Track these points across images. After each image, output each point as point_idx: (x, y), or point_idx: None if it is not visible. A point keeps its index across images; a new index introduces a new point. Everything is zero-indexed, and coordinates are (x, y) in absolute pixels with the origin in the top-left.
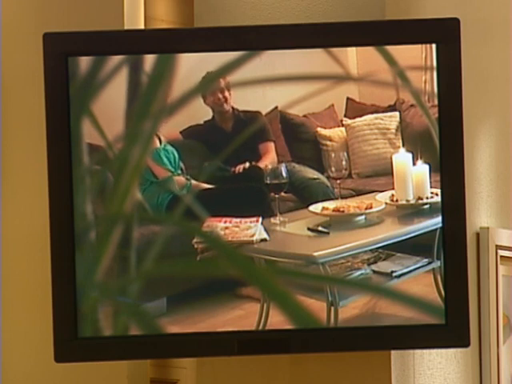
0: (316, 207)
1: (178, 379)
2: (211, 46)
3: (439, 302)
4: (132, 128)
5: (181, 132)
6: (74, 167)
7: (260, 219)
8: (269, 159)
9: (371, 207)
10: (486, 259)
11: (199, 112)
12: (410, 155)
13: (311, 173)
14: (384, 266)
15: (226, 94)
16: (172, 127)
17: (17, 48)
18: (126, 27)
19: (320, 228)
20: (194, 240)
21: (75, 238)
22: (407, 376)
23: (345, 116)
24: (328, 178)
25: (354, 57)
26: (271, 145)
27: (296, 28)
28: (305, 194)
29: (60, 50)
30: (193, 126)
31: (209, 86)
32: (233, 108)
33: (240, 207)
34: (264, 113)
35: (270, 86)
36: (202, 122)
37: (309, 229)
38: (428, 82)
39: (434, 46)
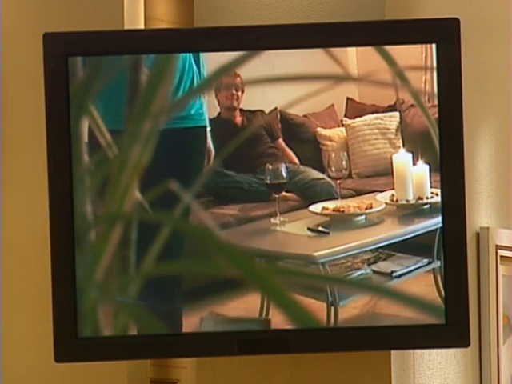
0: (316, 207)
1: (177, 379)
2: (211, 46)
3: (439, 301)
4: (132, 128)
5: None
6: (74, 167)
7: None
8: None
9: (371, 207)
10: (485, 259)
11: None
12: (409, 155)
13: (314, 173)
14: (384, 266)
15: (239, 92)
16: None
17: (17, 48)
18: (126, 27)
19: (320, 228)
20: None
21: (75, 238)
22: (407, 376)
23: (345, 116)
24: (328, 177)
25: (353, 57)
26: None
27: (296, 28)
28: (308, 194)
29: (60, 50)
30: None
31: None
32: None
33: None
34: None
35: (269, 85)
36: None
37: (309, 229)
38: (428, 82)
39: (434, 45)
